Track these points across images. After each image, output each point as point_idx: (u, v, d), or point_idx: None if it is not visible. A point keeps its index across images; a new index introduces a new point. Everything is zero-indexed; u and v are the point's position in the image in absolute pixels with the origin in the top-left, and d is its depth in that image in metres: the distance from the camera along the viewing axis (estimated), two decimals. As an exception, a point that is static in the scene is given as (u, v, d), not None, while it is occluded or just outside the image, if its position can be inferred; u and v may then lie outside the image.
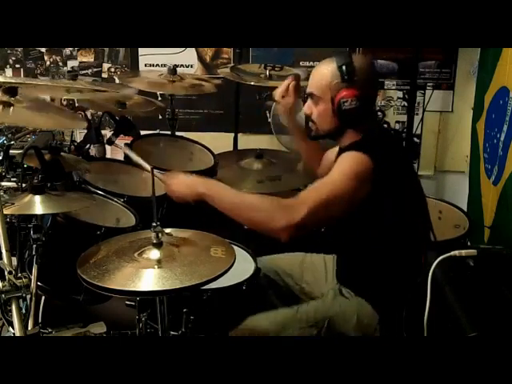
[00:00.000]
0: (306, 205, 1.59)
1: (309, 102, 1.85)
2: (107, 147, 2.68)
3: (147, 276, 1.53)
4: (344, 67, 1.73)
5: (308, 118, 1.87)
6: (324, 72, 1.79)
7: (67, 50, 3.44)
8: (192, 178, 1.79)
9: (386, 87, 3.33)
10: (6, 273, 1.37)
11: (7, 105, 1.63)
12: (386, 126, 1.95)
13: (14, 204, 1.80)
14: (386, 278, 1.78)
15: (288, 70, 2.87)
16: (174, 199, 1.80)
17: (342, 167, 1.66)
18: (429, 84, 3.33)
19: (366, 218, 1.71)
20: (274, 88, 2.95)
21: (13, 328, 1.42)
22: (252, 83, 2.75)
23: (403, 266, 1.75)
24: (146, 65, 3.40)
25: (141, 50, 3.39)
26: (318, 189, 1.65)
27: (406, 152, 1.87)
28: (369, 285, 1.82)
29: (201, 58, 3.39)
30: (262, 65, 2.82)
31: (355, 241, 1.81)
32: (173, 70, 2.79)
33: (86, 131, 2.65)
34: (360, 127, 1.80)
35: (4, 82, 1.69)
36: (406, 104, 3.32)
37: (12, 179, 2.18)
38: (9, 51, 3.46)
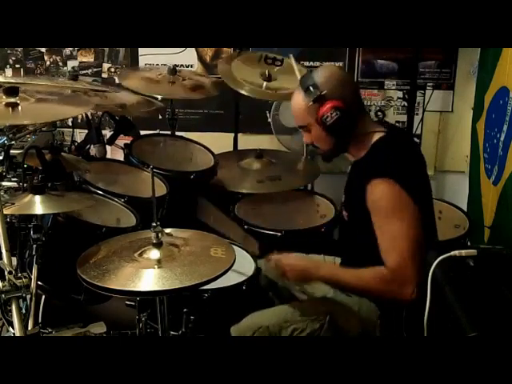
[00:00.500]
0: (409, 267, 1.65)
1: (303, 133, 1.90)
2: (107, 147, 2.69)
3: (147, 276, 1.53)
4: (309, 88, 1.76)
5: (312, 146, 1.93)
6: (297, 102, 1.83)
7: (67, 50, 3.44)
8: (303, 264, 1.84)
9: (385, 87, 3.33)
10: (6, 273, 1.37)
11: (14, 105, 1.64)
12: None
13: (14, 204, 1.81)
14: None
15: (289, 65, 2.84)
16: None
17: (387, 211, 1.70)
18: (429, 84, 3.32)
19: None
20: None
21: (13, 328, 1.42)
22: (243, 92, 2.69)
23: None
24: (145, 65, 3.40)
25: (141, 50, 3.39)
26: (395, 248, 1.68)
27: (418, 150, 1.88)
28: None
29: (201, 58, 3.39)
30: (263, 56, 2.80)
31: (363, 241, 1.81)
32: (172, 70, 2.79)
33: (86, 131, 2.66)
34: (360, 131, 1.81)
35: (4, 82, 1.69)
36: (405, 104, 3.32)
37: (12, 179, 2.18)
38: (9, 51, 3.46)
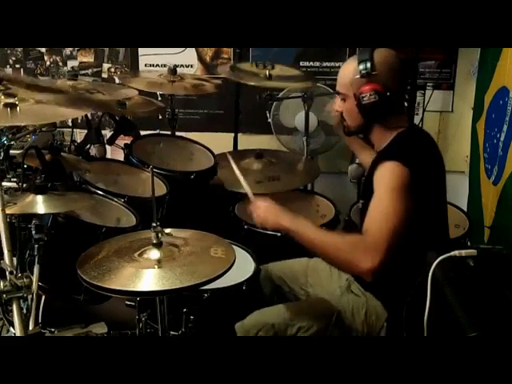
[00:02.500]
0: (382, 239, 1.63)
1: (338, 100, 1.90)
2: (107, 147, 2.69)
3: (147, 276, 1.53)
4: (363, 63, 1.77)
5: (340, 115, 1.92)
6: (347, 69, 1.85)
7: (67, 50, 3.44)
8: (280, 211, 1.81)
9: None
10: (7, 273, 1.37)
11: (13, 106, 1.63)
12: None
13: (16, 204, 1.81)
14: (399, 275, 1.78)
15: (284, 70, 2.86)
16: (255, 220, 1.86)
17: (386, 186, 1.69)
18: (429, 84, 3.33)
19: None
20: (274, 88, 2.94)
21: (14, 328, 1.42)
22: (252, 83, 2.74)
23: (417, 265, 1.76)
24: (146, 65, 3.40)
25: (141, 50, 3.39)
26: (379, 219, 1.67)
27: (437, 149, 1.90)
28: (381, 282, 1.82)
29: (201, 58, 3.39)
30: (254, 63, 2.82)
31: None
32: (173, 70, 2.79)
33: (86, 131, 2.66)
34: (388, 124, 1.83)
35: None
36: (406, 104, 3.32)
37: (12, 179, 2.18)
38: (9, 51, 3.46)
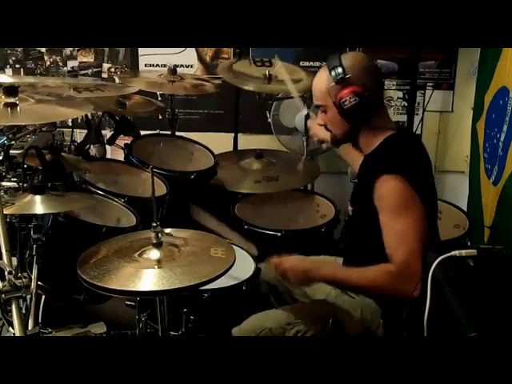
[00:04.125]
0: (412, 264, 1.63)
1: (319, 113, 1.90)
2: (107, 147, 2.69)
3: (147, 276, 1.53)
4: (334, 69, 1.76)
5: (325, 127, 1.91)
6: (320, 80, 1.83)
7: (67, 50, 3.44)
8: (303, 266, 1.80)
9: (386, 87, 3.32)
10: (6, 273, 1.37)
11: (13, 105, 1.63)
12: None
13: (14, 204, 1.81)
14: None
15: (282, 67, 2.85)
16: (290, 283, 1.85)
17: (394, 206, 1.70)
18: (429, 84, 3.33)
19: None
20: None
21: (13, 328, 1.41)
22: (251, 88, 2.72)
23: None
24: (146, 65, 3.40)
25: (141, 50, 3.39)
26: (401, 242, 1.68)
27: (425, 151, 1.90)
28: None
29: (201, 58, 3.39)
30: (251, 60, 2.81)
31: (366, 237, 1.82)
32: (173, 70, 2.79)
33: (86, 131, 2.66)
34: (373, 125, 1.82)
35: (8, 82, 1.69)
36: (405, 104, 3.32)
37: (12, 179, 2.18)
38: (9, 51, 3.46)
